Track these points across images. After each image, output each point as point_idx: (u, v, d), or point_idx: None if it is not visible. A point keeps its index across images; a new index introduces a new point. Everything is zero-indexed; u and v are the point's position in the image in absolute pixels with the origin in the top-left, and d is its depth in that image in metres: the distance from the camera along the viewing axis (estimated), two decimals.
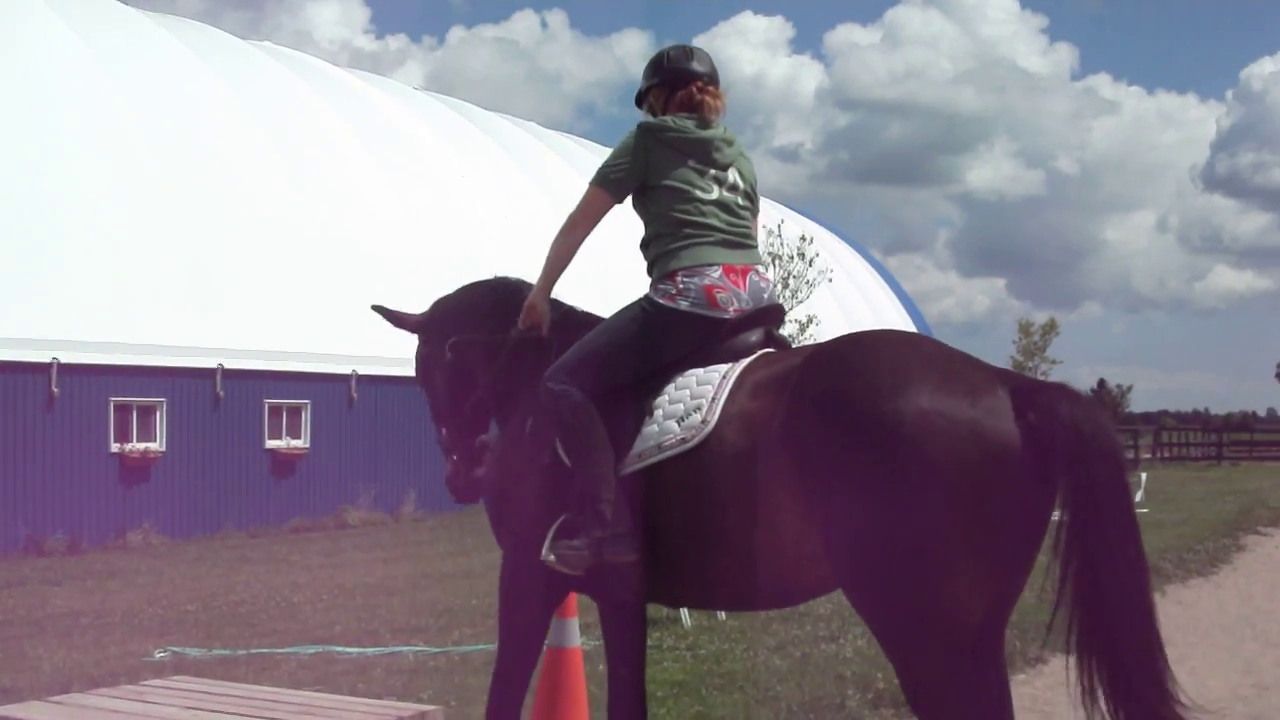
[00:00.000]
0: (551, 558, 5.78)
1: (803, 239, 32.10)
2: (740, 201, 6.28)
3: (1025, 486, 4.82)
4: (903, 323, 56.70)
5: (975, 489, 4.75)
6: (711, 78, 6.45)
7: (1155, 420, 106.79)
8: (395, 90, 40.52)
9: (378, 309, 7.14)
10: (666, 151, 6.20)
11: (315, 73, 36.94)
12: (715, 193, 6.20)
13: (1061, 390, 5.06)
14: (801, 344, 7.12)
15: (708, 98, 6.36)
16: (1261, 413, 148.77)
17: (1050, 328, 58.07)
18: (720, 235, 6.13)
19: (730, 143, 6.34)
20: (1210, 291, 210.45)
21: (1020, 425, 4.85)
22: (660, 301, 6.05)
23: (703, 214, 6.13)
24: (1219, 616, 14.11)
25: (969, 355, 5.25)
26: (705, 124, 6.29)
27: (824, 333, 22.91)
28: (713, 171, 6.22)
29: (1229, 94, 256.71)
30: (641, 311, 6.10)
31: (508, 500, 6.28)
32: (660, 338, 6.01)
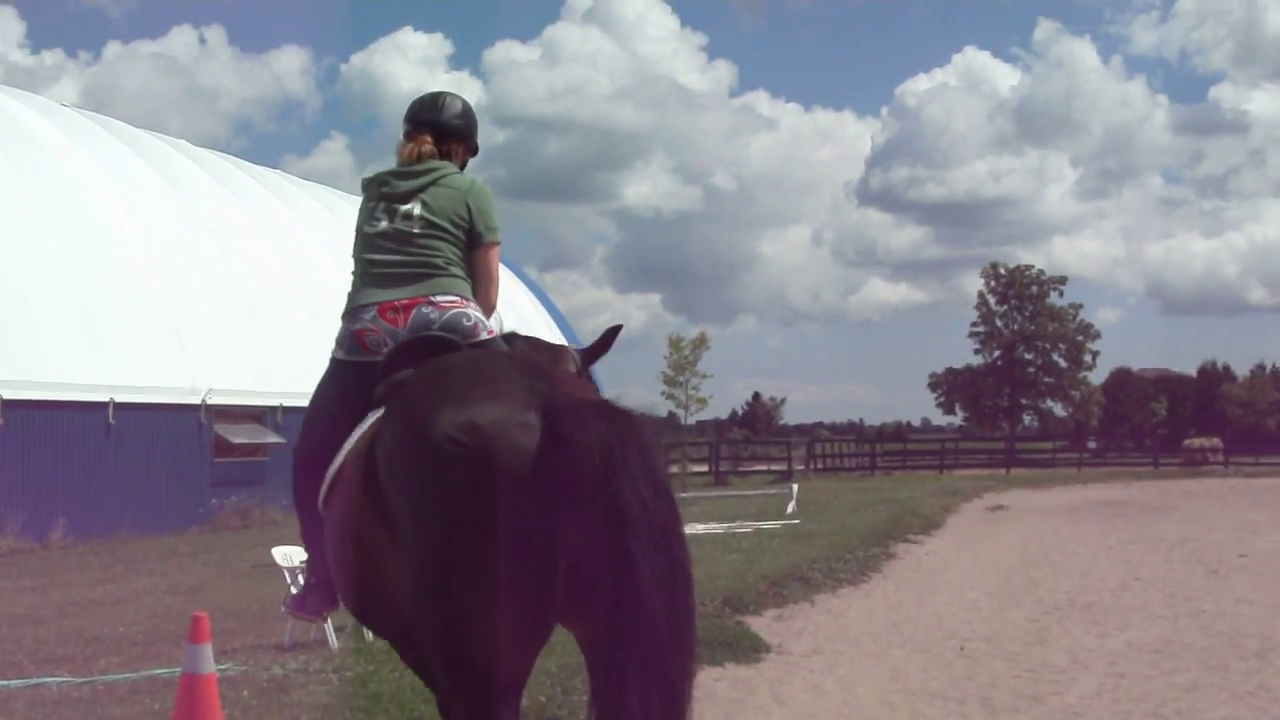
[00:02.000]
0: (283, 609, 6.06)
1: None
2: (417, 230, 5.98)
3: (551, 515, 4.51)
4: (554, 339, 56.71)
5: (490, 520, 4.47)
6: (430, 125, 6.29)
7: (810, 432, 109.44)
8: (42, 107, 39.03)
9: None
10: (362, 199, 6.23)
11: None
12: (383, 224, 6.02)
13: (597, 407, 4.73)
14: None
15: (406, 144, 6.28)
16: (916, 422, 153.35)
17: (700, 342, 58.92)
18: (381, 271, 5.96)
19: (418, 174, 6.11)
20: (865, 304, 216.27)
21: (548, 448, 4.54)
22: (331, 354, 6.06)
23: (367, 249, 6.04)
24: (868, 624, 14.55)
25: (539, 373, 5.01)
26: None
27: None
28: (384, 204, 6.06)
29: (884, 110, 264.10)
30: (326, 368, 6.13)
31: None
32: (333, 391, 5.97)
